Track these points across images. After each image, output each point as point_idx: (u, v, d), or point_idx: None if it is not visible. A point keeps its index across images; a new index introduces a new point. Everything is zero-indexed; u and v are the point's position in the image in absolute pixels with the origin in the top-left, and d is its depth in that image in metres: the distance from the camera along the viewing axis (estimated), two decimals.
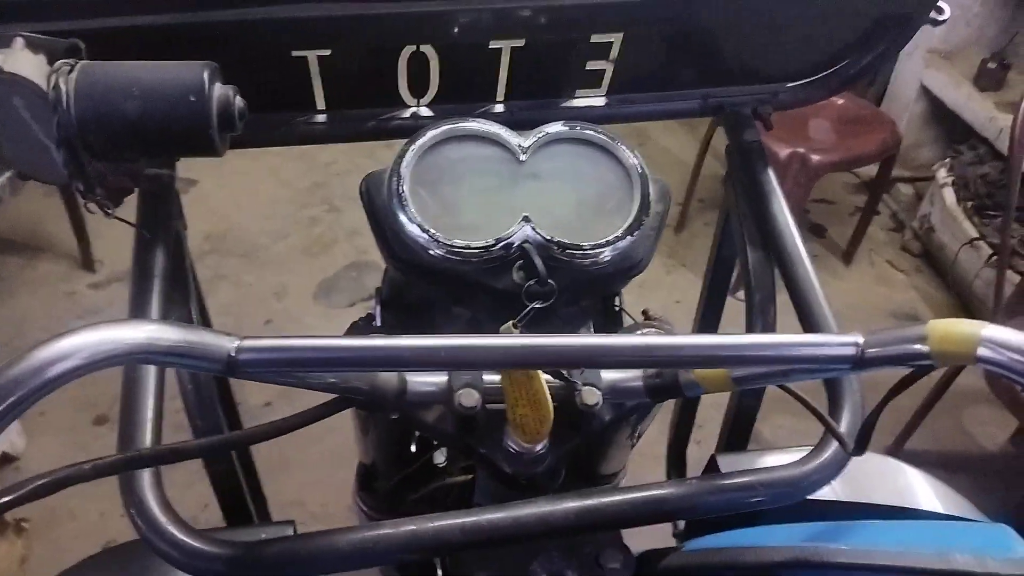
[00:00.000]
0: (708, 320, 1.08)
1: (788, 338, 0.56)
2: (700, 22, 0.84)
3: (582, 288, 0.75)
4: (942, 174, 2.78)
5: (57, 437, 2.16)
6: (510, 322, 0.68)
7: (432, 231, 0.70)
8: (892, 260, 2.94)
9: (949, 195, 2.72)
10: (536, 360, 0.55)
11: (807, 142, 2.46)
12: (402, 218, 0.71)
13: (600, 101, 0.90)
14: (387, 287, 0.85)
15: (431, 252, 0.70)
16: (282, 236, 2.85)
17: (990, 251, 2.44)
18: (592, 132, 0.76)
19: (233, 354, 0.52)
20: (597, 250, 0.72)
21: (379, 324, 0.79)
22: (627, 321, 0.85)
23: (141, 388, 0.63)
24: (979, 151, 2.69)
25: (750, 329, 0.83)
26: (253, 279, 2.67)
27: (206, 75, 0.64)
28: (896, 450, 2.15)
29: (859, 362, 0.55)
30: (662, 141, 3.35)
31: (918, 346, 0.54)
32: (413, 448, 0.89)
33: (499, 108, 0.88)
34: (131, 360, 0.49)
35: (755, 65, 0.92)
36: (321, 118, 0.84)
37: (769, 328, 0.82)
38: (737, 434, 0.91)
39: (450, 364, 0.55)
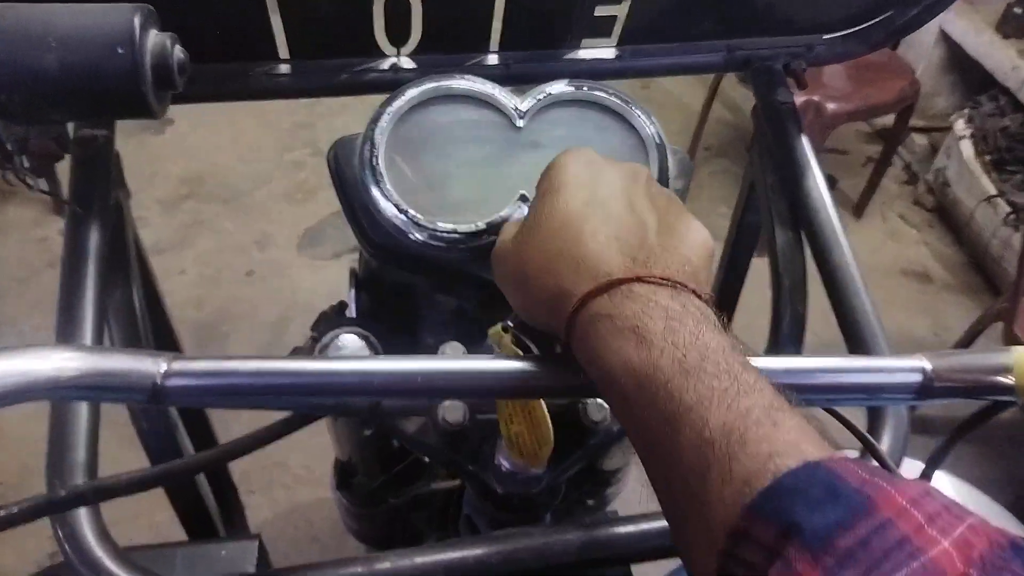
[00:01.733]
0: (730, 284, 0.96)
1: (839, 362, 0.46)
2: None
3: None
4: (960, 126, 2.65)
5: None
6: (499, 325, 0.58)
7: (411, 212, 0.59)
8: (904, 214, 2.83)
9: (967, 148, 2.60)
10: (535, 390, 0.45)
11: (822, 89, 2.32)
12: (376, 194, 0.59)
13: (610, 53, 0.78)
14: (363, 268, 0.74)
15: (411, 236, 0.59)
16: (264, 181, 2.72)
17: (1009, 209, 2.33)
18: (602, 94, 0.64)
19: (159, 381, 0.42)
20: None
21: (354, 314, 0.68)
22: None
23: (71, 414, 0.53)
24: (1000, 102, 2.56)
25: (777, 319, 0.73)
26: (233, 227, 2.55)
27: (137, 20, 0.52)
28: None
29: (925, 391, 0.46)
30: (665, 83, 3.19)
31: (999, 377, 0.44)
32: (395, 444, 0.80)
33: (492, 60, 0.76)
34: (32, 398, 0.39)
35: (788, 13, 0.79)
36: (283, 68, 0.72)
37: (798, 320, 0.72)
38: None
39: (428, 392, 0.44)
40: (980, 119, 2.59)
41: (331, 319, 0.66)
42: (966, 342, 2.02)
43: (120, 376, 0.41)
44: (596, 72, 0.79)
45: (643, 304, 0.39)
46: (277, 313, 2.25)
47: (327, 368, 0.43)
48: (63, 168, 0.69)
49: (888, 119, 2.66)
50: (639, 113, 0.64)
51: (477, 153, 0.63)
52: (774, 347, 0.72)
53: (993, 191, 2.41)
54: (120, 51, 0.52)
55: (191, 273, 2.38)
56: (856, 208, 2.75)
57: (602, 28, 0.75)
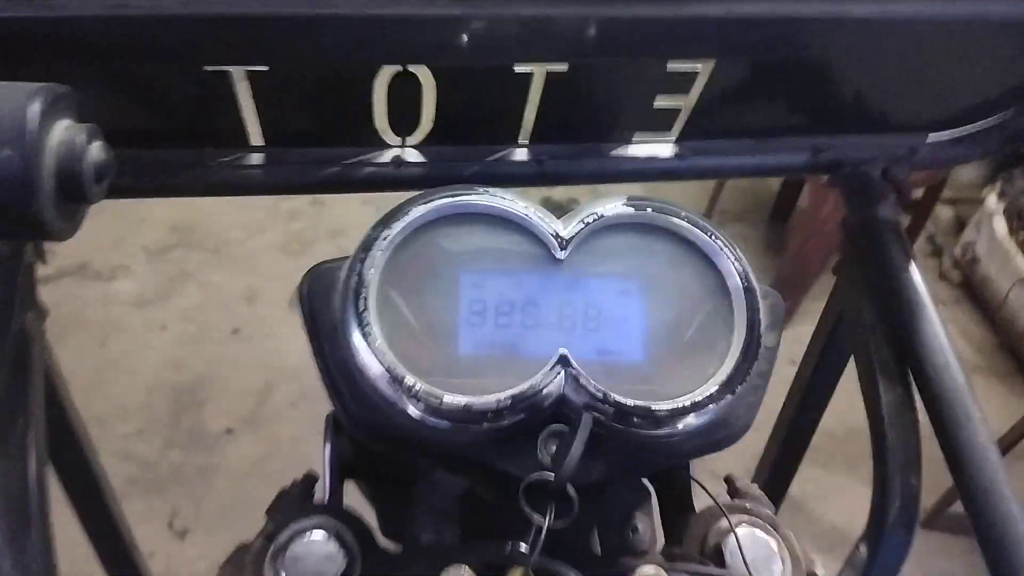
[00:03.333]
0: (795, 437, 0.78)
1: None
2: (823, 49, 0.56)
3: (643, 466, 0.49)
4: (992, 201, 2.51)
5: None
6: (521, 544, 0.41)
7: (408, 377, 0.43)
8: None
9: (999, 225, 2.45)
10: None
11: None
12: (360, 349, 0.43)
13: (667, 150, 0.63)
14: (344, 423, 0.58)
15: (406, 410, 0.43)
16: (258, 230, 2.57)
17: None
18: (672, 219, 0.48)
19: None
20: (676, 417, 0.44)
21: (326, 493, 0.51)
22: (699, 494, 0.58)
23: None
24: None
25: (883, 499, 0.56)
26: (222, 279, 2.39)
27: (36, 107, 0.38)
28: (935, 517, 1.90)
29: None
30: None
31: None
32: None
33: (521, 155, 0.60)
34: None
35: (888, 108, 0.64)
36: (255, 158, 0.56)
37: (911, 500, 0.55)
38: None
39: None
40: (1015, 194, 2.45)
41: (293, 503, 0.49)
42: (1009, 442, 1.85)
43: None
44: (648, 172, 0.63)
45: None
46: (262, 379, 2.07)
47: None
48: None
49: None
50: (722, 245, 0.48)
51: (502, 295, 0.46)
52: (878, 535, 0.55)
53: None
54: (6, 152, 0.37)
55: (173, 330, 2.21)
56: None
57: (660, 121, 0.60)
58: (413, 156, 0.58)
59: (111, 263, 2.43)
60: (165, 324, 2.22)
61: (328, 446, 0.55)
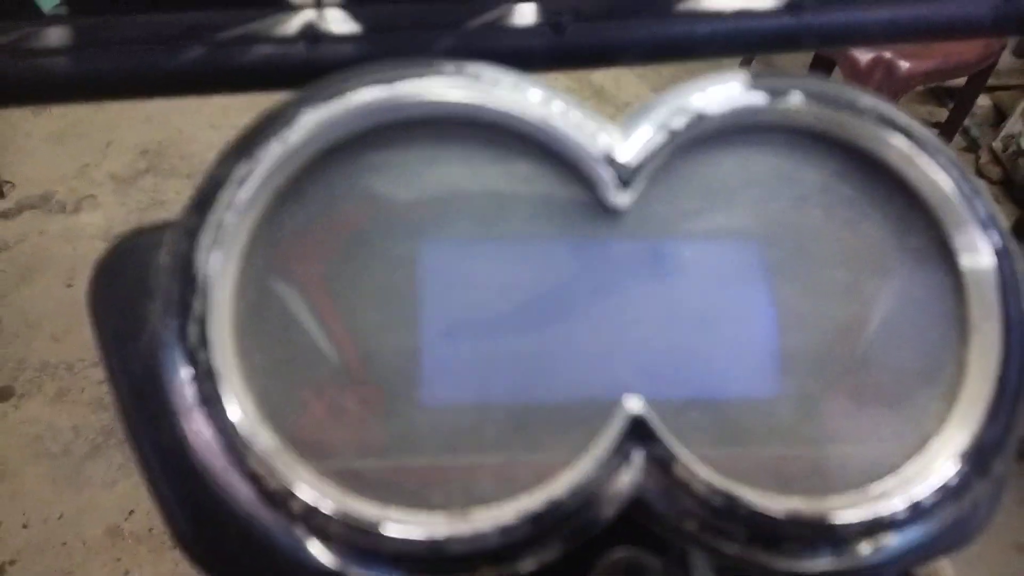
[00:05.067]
0: None
1: None
2: None
3: None
4: None
5: None
6: None
7: (305, 492, 0.19)
8: None
9: None
10: None
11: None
12: (198, 426, 0.20)
13: (768, 0, 0.37)
14: None
15: (305, 556, 0.20)
16: None
17: None
18: (848, 117, 0.23)
19: None
20: (876, 533, 0.21)
21: None
22: None
23: None
24: None
25: None
26: None
27: None
28: None
29: None
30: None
31: None
32: None
33: (525, 14, 0.35)
34: None
35: None
36: (54, 38, 0.32)
37: None
38: None
39: None
40: None
41: None
42: None
43: None
44: (739, 39, 0.37)
45: None
46: None
47: None
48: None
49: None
50: (956, 177, 0.23)
51: (504, 290, 0.22)
52: None
53: None
54: None
55: None
56: None
57: None
58: (338, 22, 0.32)
59: (76, 193, 2.20)
60: None
61: None
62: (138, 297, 0.22)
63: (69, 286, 2.04)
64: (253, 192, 0.21)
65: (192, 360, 0.20)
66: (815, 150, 0.24)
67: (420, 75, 0.23)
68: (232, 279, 0.21)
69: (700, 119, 0.23)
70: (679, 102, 0.23)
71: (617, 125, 0.23)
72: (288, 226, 0.22)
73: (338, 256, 0.22)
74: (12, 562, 1.38)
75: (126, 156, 2.35)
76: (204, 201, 0.20)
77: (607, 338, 0.22)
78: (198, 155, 2.38)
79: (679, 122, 0.23)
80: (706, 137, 0.23)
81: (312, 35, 0.32)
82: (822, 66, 2.18)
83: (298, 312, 0.22)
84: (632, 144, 0.23)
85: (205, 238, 0.20)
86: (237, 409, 0.20)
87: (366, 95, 0.22)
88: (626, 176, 0.23)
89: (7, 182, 2.23)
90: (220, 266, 0.20)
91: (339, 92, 0.22)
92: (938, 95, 2.75)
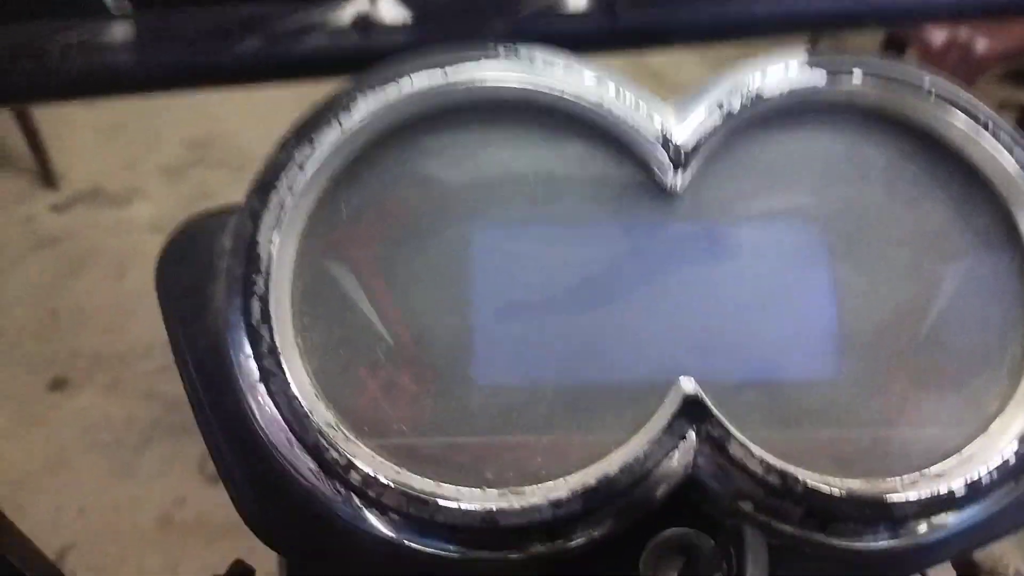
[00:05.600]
0: None
1: None
2: None
3: None
4: None
5: (5, 406, 1.78)
6: None
7: (362, 465, 0.20)
8: None
9: None
10: None
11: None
12: (260, 401, 0.20)
13: None
14: None
15: (365, 526, 0.20)
16: None
17: None
18: (910, 98, 0.23)
19: None
20: (936, 510, 0.21)
21: None
22: None
23: None
24: None
25: None
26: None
27: None
28: None
29: None
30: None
31: None
32: None
33: (578, 0, 0.35)
34: None
35: None
36: (119, 34, 0.32)
37: None
38: None
39: None
40: None
41: None
42: None
43: None
44: (804, 19, 0.37)
45: None
46: None
47: None
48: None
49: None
50: (1007, 140, 0.23)
51: (556, 272, 0.23)
52: None
53: None
54: None
55: None
56: None
57: None
58: (390, 11, 0.33)
59: (126, 186, 2.25)
60: None
61: None
62: (203, 278, 0.22)
63: (120, 278, 2.09)
64: (312, 176, 0.21)
65: (255, 336, 0.20)
66: (875, 130, 0.23)
67: (474, 59, 0.23)
68: (291, 260, 0.21)
69: (757, 100, 0.23)
70: (735, 83, 0.23)
71: (672, 107, 0.23)
72: (345, 209, 0.22)
73: (393, 238, 0.23)
74: (72, 546, 1.42)
75: (174, 149, 2.39)
76: (266, 185, 0.21)
77: (661, 319, 0.22)
78: (246, 147, 2.41)
79: (735, 103, 0.23)
80: (763, 118, 0.23)
81: (364, 24, 0.33)
82: (894, 48, 2.10)
83: (354, 293, 0.22)
84: (687, 126, 0.23)
85: (267, 220, 0.21)
86: (297, 384, 0.20)
87: (421, 80, 0.23)
88: (681, 157, 0.23)
89: (61, 175, 2.28)
90: (281, 246, 0.21)
91: (394, 78, 0.23)
92: (1018, 77, 2.60)
